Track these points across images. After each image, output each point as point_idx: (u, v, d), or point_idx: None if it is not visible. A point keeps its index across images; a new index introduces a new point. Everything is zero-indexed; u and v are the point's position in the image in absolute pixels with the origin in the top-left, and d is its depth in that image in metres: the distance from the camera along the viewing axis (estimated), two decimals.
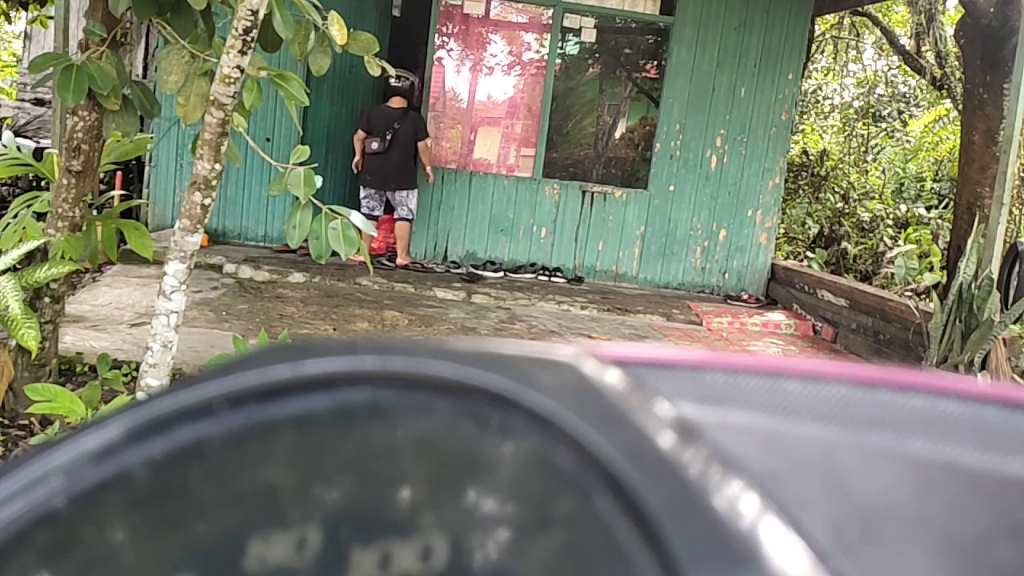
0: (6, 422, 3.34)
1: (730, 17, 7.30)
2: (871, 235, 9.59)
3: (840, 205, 10.09)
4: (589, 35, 7.59)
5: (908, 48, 10.01)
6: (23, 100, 9.09)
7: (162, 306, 2.68)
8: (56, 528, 0.66)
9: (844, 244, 9.34)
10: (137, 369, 3.33)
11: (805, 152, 10.77)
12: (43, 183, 6.26)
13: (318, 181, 2.82)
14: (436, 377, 0.64)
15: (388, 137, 6.65)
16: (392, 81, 6.56)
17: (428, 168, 6.89)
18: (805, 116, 12.10)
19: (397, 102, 6.73)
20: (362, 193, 6.88)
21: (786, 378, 0.69)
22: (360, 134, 6.81)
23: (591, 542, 0.51)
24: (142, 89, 3.38)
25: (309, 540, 0.58)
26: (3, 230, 3.62)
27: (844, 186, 10.45)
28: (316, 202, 2.83)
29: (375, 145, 6.68)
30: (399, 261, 6.99)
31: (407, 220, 6.92)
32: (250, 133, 3.27)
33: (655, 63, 7.93)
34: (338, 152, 7.47)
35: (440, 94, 7.72)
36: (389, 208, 7.05)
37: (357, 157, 6.87)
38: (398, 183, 6.79)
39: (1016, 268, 4.83)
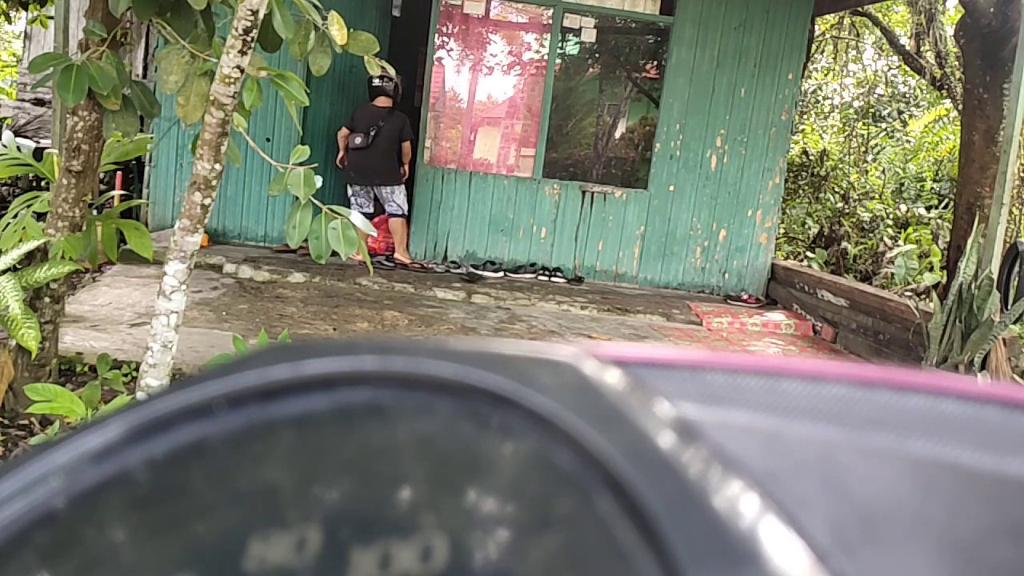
0: (6, 422, 3.34)
1: (730, 17, 7.30)
2: (871, 235, 9.59)
3: (840, 205, 10.09)
4: (589, 35, 7.59)
5: (908, 48, 10.01)
6: (23, 100, 9.08)
7: (162, 306, 2.68)
8: (56, 528, 0.66)
9: (844, 244, 9.34)
10: (137, 369, 3.33)
11: (805, 152, 10.77)
12: (43, 183, 6.26)
13: (318, 181, 2.83)
14: (436, 377, 0.64)
15: (372, 134, 6.75)
16: (375, 81, 6.69)
17: (404, 168, 6.99)
18: (805, 116, 12.09)
19: (382, 101, 6.85)
20: (349, 191, 6.93)
21: (786, 378, 0.69)
22: (344, 131, 6.93)
23: (591, 542, 0.51)
24: (142, 89, 3.38)
25: (309, 540, 0.58)
26: (3, 230, 3.61)
27: (844, 186, 10.45)
28: (316, 202, 2.83)
29: (358, 140, 6.80)
30: (398, 259, 7.01)
31: (399, 216, 6.97)
32: (250, 133, 3.27)
33: (655, 63, 7.93)
34: (338, 152, 7.47)
35: (440, 94, 7.71)
36: (381, 207, 7.11)
37: (341, 153, 6.97)
38: (381, 178, 6.87)
39: (1016, 268, 4.83)
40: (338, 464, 0.65)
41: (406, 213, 7.03)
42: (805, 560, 0.46)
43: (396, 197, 6.92)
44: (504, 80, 7.87)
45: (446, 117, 7.78)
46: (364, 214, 6.72)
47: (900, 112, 12.60)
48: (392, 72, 3.32)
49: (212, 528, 0.65)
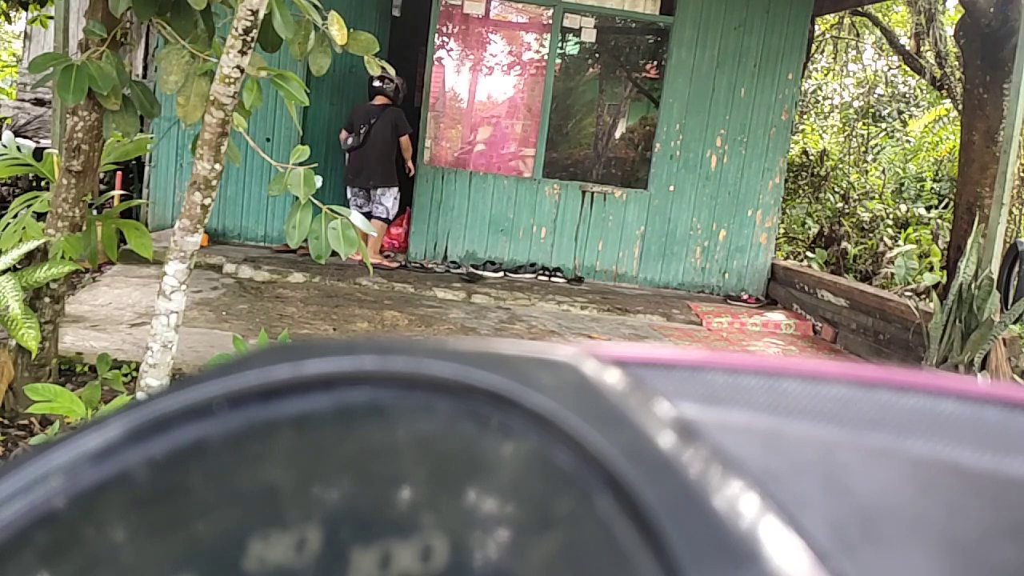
0: (6, 422, 3.34)
1: (730, 17, 7.30)
2: (871, 235, 9.59)
3: (840, 205, 10.09)
4: (589, 35, 7.59)
5: (908, 48, 10.01)
6: (23, 100, 9.08)
7: (162, 306, 2.68)
8: (56, 528, 0.66)
9: (844, 244, 9.34)
10: (137, 369, 3.33)
11: (805, 152, 10.77)
12: (43, 183, 6.26)
13: (318, 181, 2.83)
14: (436, 377, 0.64)
15: (363, 132, 6.63)
16: (375, 83, 6.61)
17: (409, 163, 6.88)
18: (805, 116, 12.09)
19: (380, 100, 6.75)
20: (348, 193, 6.86)
21: (786, 378, 0.69)
22: (343, 134, 6.85)
23: (591, 542, 0.51)
24: (142, 89, 3.38)
25: (309, 540, 0.58)
26: (3, 230, 3.61)
27: (844, 186, 10.45)
28: (316, 202, 2.83)
29: (350, 141, 6.71)
30: (368, 258, 6.92)
31: (382, 219, 6.79)
32: (250, 133, 3.27)
33: (655, 63, 7.93)
34: (338, 152, 7.46)
35: (440, 94, 7.71)
36: None
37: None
38: (376, 180, 6.72)
39: (1016, 268, 4.82)
40: (338, 464, 0.65)
41: (390, 219, 6.89)
42: (805, 560, 0.46)
43: (385, 200, 6.77)
44: (504, 80, 7.87)
45: (446, 117, 7.78)
46: (363, 214, 6.72)
47: (900, 112, 12.60)
48: (392, 72, 3.31)
49: (212, 528, 0.65)
